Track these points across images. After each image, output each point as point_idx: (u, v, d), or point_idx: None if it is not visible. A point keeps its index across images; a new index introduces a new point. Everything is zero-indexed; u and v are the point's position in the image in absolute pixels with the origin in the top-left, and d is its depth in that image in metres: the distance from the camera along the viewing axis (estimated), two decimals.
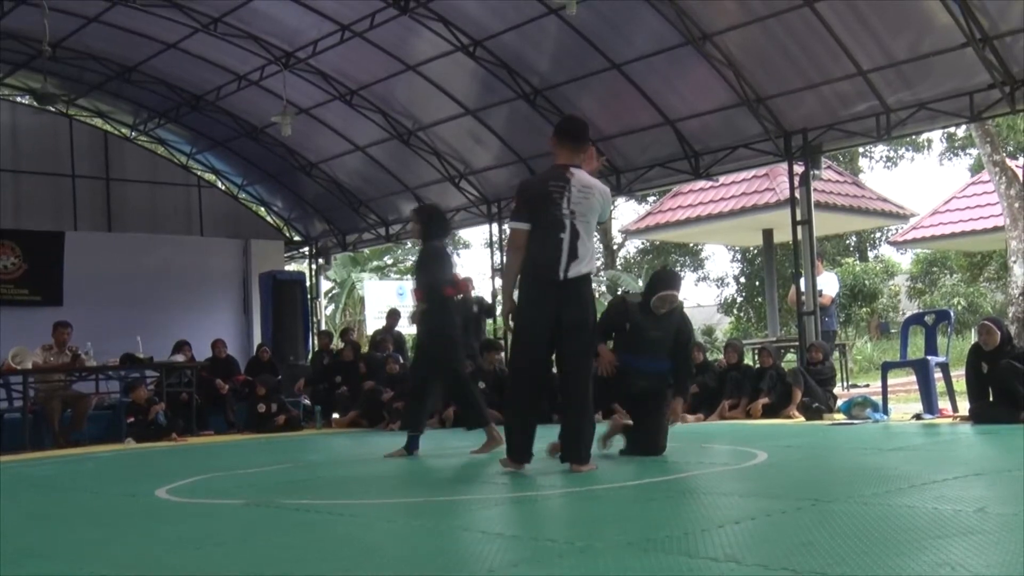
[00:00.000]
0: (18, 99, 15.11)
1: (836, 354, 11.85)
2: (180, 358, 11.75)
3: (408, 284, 20.36)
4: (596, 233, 30.05)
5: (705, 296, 36.39)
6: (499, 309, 10.76)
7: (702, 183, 14.14)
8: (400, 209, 15.34)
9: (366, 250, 22.16)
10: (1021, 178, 15.09)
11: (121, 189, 15.47)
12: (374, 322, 18.94)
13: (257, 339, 15.24)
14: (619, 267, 30.55)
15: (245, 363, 13.06)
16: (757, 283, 25.66)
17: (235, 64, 13.01)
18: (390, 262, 29.69)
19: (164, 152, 16.37)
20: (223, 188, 16.95)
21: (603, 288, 25.31)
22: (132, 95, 14.57)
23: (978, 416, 7.47)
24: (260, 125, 14.28)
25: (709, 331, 23.77)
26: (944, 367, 8.73)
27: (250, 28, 12.03)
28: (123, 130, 15.75)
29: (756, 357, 10.44)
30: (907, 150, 28.61)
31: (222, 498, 4.98)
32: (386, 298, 19.52)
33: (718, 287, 30.68)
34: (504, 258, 11.74)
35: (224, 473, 6.43)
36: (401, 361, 12.37)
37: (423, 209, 7.42)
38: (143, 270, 14.72)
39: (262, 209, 17.29)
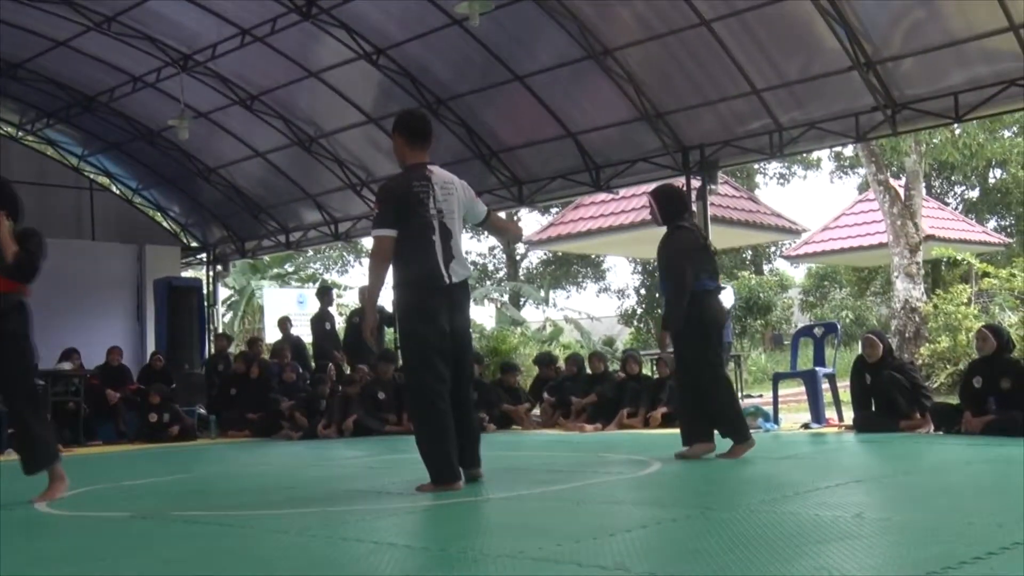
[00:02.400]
0: None
1: (731, 364, 12.14)
2: (68, 366, 11.35)
3: (308, 292, 20.08)
4: (498, 243, 30.11)
5: (606, 307, 36.86)
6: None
7: (603, 195, 14.37)
8: (301, 216, 15.15)
9: (266, 257, 21.77)
10: (902, 197, 15.75)
11: None
12: (273, 330, 18.59)
13: (151, 347, 14.82)
14: (522, 277, 30.72)
15: (138, 371, 12.69)
16: (657, 295, 26.12)
17: (130, 65, 12.65)
18: (291, 269, 29.22)
19: (54, 153, 15.80)
20: (117, 192, 16.45)
21: (505, 298, 25.39)
22: (18, 93, 14.02)
23: (861, 425, 7.76)
24: (156, 128, 13.91)
25: (610, 342, 24.08)
26: (831, 378, 9.04)
27: (146, 29, 11.72)
28: (8, 129, 15.15)
29: (654, 367, 10.62)
30: (799, 167, 29.56)
31: (107, 511, 4.83)
32: (286, 306, 19.18)
33: (619, 298, 31.14)
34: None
35: (111, 485, 6.24)
36: (300, 370, 12.20)
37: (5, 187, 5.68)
38: None
39: (158, 214, 16.83)
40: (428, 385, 4.78)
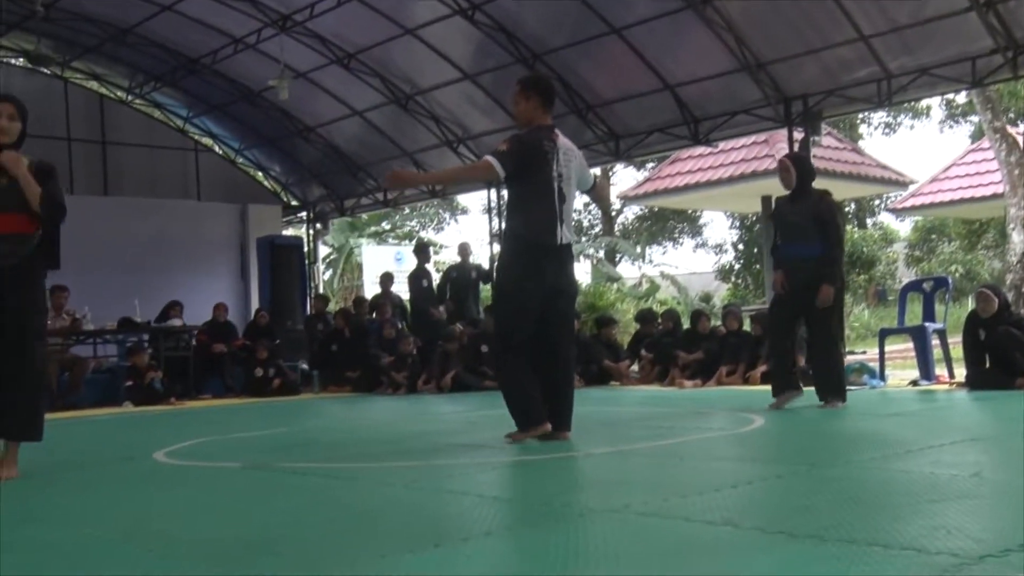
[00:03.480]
0: (11, 61, 14.97)
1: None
2: (177, 322, 11.76)
3: (406, 249, 20.33)
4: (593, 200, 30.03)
5: (703, 263, 36.35)
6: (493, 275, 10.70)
7: (701, 149, 14.08)
8: None
9: (364, 215, 22.11)
10: (1021, 145, 15.03)
11: (117, 153, 15.39)
12: (372, 287, 18.93)
13: (255, 304, 15.24)
14: (617, 233, 30.50)
15: (243, 327, 13.07)
16: (755, 250, 25.64)
17: (231, 27, 12.88)
18: (388, 227, 29.64)
19: (161, 116, 16.26)
20: (220, 152, 16.86)
21: (601, 254, 25.27)
22: (128, 58, 14.45)
23: (974, 382, 7.49)
24: (257, 89, 14.17)
25: (707, 298, 23.78)
26: (942, 334, 8.74)
27: None
28: (119, 93, 15.63)
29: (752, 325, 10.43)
30: (907, 117, 28.50)
31: (220, 461, 5.00)
32: (384, 263, 19.50)
33: (716, 254, 30.70)
34: (500, 222, 11.59)
35: (222, 437, 6.45)
36: (399, 326, 12.38)
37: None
38: (140, 234, 14.68)
39: (260, 174, 17.21)
40: (513, 337, 4.91)
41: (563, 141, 5.04)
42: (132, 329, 11.29)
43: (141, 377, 10.48)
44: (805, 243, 6.37)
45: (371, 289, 18.14)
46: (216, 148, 16.90)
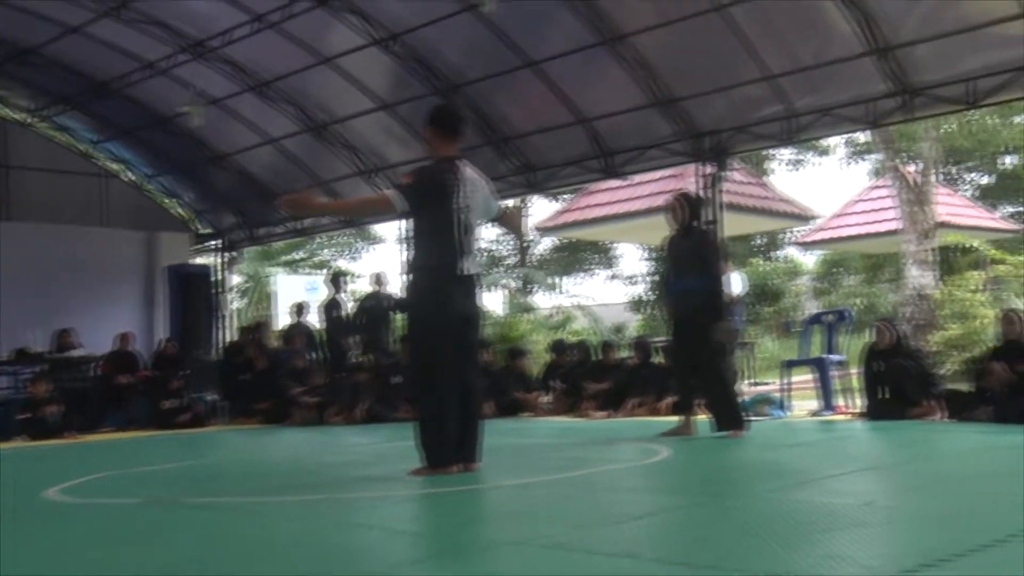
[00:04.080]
0: None
1: (738, 352, 12.10)
2: (77, 352, 11.42)
3: (319, 279, 20.11)
4: (504, 230, 30.09)
5: (616, 294, 36.77)
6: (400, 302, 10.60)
7: (615, 182, 14.31)
8: None
9: (278, 244, 21.80)
10: (913, 183, 15.65)
11: (19, 177, 14.89)
12: (285, 317, 18.65)
13: (160, 333, 14.88)
14: (532, 264, 30.69)
15: (145, 358, 12.74)
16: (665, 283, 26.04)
17: (143, 51, 12.61)
18: (302, 256, 29.28)
19: (65, 140, 15.82)
20: (129, 179, 16.46)
21: (515, 285, 25.37)
22: (31, 79, 14.03)
23: (872, 413, 7.75)
24: (169, 115, 13.90)
25: (619, 329, 24.05)
26: (842, 365, 9.02)
27: (159, 14, 11.70)
28: (21, 115, 15.17)
29: (661, 355, 10.59)
30: (812, 153, 29.39)
31: (118, 497, 4.86)
32: (297, 293, 19.23)
33: (628, 285, 31.08)
34: (408, 250, 11.52)
35: (122, 471, 6.27)
36: (310, 357, 12.24)
37: None
38: (42, 261, 14.21)
39: (170, 201, 16.84)
40: (435, 369, 4.89)
41: (468, 172, 5.08)
42: (27, 361, 10.89)
43: (38, 409, 10.10)
44: (690, 277, 6.72)
45: (283, 319, 17.85)
46: (125, 174, 16.50)
